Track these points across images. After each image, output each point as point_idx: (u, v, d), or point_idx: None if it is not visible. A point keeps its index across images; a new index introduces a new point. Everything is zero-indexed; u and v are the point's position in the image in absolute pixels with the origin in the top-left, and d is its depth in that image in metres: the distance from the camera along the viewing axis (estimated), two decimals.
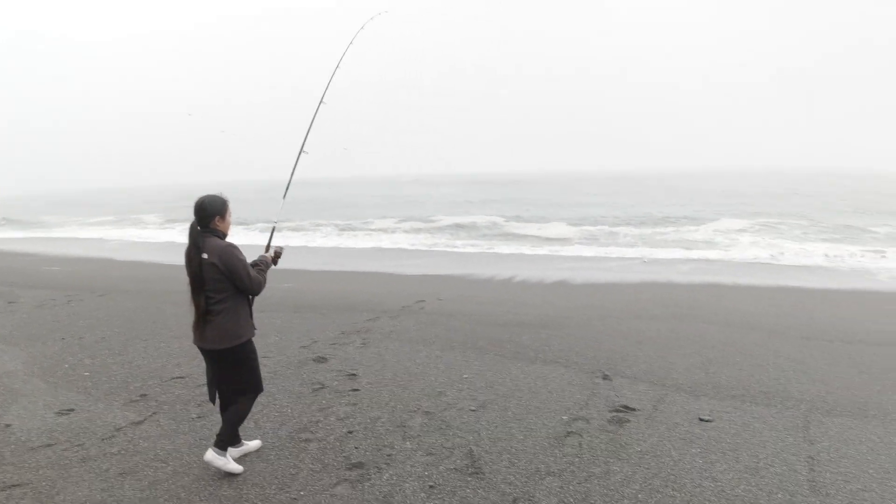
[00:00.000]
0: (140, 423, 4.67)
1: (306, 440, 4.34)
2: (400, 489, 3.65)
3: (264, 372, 5.83)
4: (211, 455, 3.76)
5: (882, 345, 7.01)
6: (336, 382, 5.59)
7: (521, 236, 19.51)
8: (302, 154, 4.85)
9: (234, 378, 3.78)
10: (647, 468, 3.94)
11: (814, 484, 3.77)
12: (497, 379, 5.71)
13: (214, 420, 4.69)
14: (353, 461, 4.02)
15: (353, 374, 5.80)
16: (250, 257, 3.88)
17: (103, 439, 4.35)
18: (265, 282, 3.80)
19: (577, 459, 4.05)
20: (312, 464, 3.99)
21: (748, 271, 13.17)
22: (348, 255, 17.49)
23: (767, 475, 3.87)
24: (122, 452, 4.13)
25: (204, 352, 3.76)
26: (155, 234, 25.42)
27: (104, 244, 20.95)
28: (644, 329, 7.61)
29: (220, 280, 3.57)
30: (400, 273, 13.34)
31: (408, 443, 4.29)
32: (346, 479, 3.78)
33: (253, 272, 3.67)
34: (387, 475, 3.83)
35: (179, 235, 23.46)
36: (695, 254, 15.66)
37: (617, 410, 4.90)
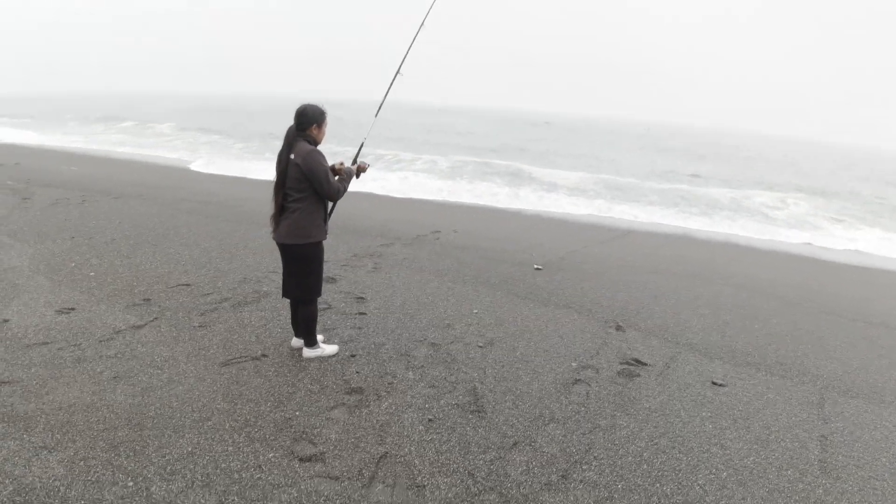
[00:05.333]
0: (140, 327, 4.57)
1: (307, 359, 4.20)
2: (398, 419, 3.51)
3: (273, 286, 5.75)
4: (307, 353, 4.25)
5: None
6: (343, 304, 5.43)
7: (542, 181, 18.82)
8: (398, 76, 4.76)
9: (298, 274, 4.01)
10: (655, 426, 3.75)
11: (825, 465, 3.55)
12: (507, 317, 5.50)
13: (216, 331, 4.58)
14: (353, 386, 3.88)
15: (362, 298, 5.63)
16: None
17: (101, 341, 4.26)
18: (344, 191, 3.99)
19: (582, 409, 3.86)
20: (311, 384, 3.85)
21: (773, 238, 12.68)
22: (363, 180, 17.17)
23: (778, 449, 3.67)
24: (118, 356, 4.03)
25: (278, 245, 3.99)
26: (170, 142, 25.11)
27: (123, 149, 20.80)
28: (661, 284, 7.30)
29: (301, 180, 3.77)
30: (417, 200, 13.03)
31: (410, 373, 4.14)
32: (343, 404, 3.65)
33: (332, 178, 3.84)
34: (386, 403, 3.69)
35: (195, 143, 23.23)
36: (721, 217, 15.04)
37: (628, 363, 4.68)
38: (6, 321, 4.40)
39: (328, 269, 6.44)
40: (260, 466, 2.97)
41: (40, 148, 18.80)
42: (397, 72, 4.77)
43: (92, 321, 4.60)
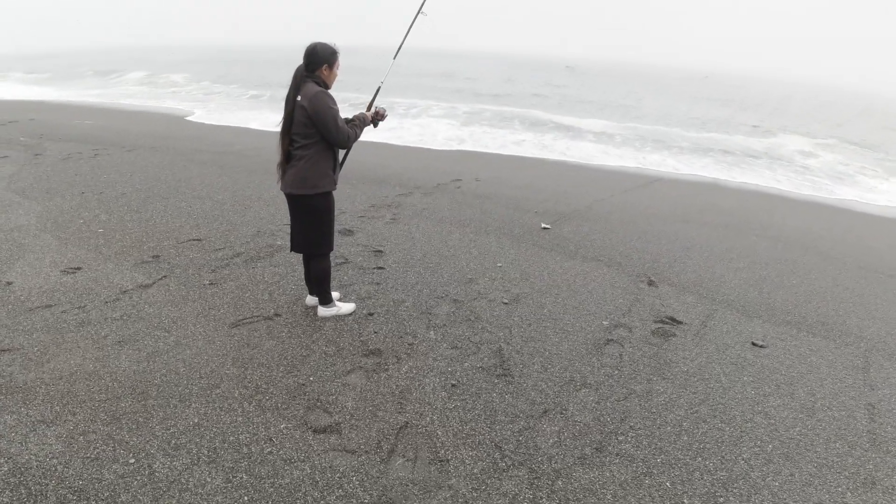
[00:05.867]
0: (148, 286, 4.36)
1: (322, 319, 3.95)
2: (419, 385, 3.26)
3: (287, 241, 5.48)
4: (322, 311, 4.01)
5: None
6: (361, 258, 5.15)
7: (565, 128, 17.96)
8: (420, 15, 4.39)
9: (305, 227, 3.74)
10: (694, 392, 3.44)
11: (874, 437, 3.23)
12: (533, 271, 5.17)
13: (226, 289, 4.35)
14: (371, 347, 3.63)
15: (380, 251, 5.35)
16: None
17: (106, 302, 4.06)
18: (356, 137, 3.67)
19: (616, 372, 3.56)
20: (326, 346, 3.62)
21: (808, 188, 11.98)
22: (382, 128, 16.63)
23: (825, 419, 3.35)
24: (124, 318, 3.83)
25: (285, 196, 3.71)
26: (186, 92, 24.66)
27: (138, 101, 20.48)
28: (692, 235, 6.85)
29: (307, 125, 3.47)
30: (436, 149, 12.55)
31: (432, 332, 3.87)
32: (360, 367, 3.41)
33: (342, 123, 3.52)
34: (406, 367, 3.44)
35: (210, 94, 22.76)
36: (753, 165, 14.22)
37: (662, 322, 4.35)
38: (10, 284, 4.22)
39: (345, 221, 6.16)
40: (271, 439, 2.76)
41: (56, 103, 18.57)
42: (419, 10, 4.37)
43: (98, 281, 4.40)
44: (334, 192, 3.74)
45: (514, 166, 10.97)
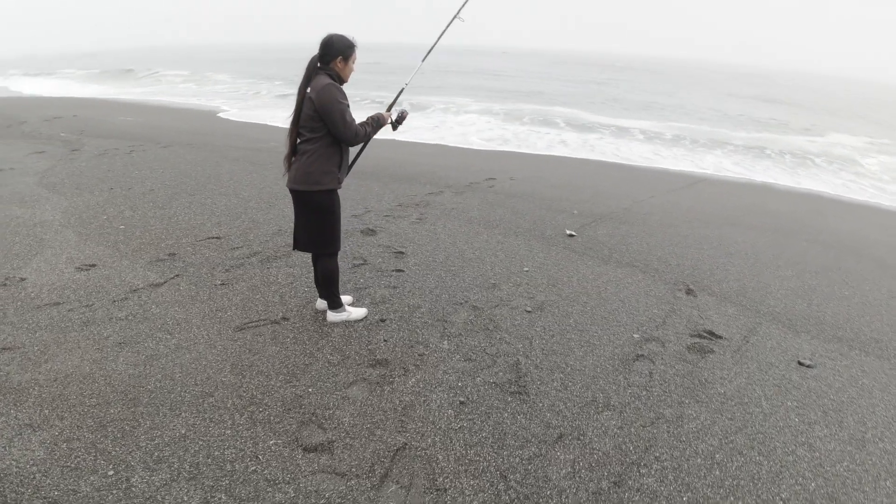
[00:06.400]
0: (159, 285, 4.26)
1: (331, 324, 3.76)
2: (424, 401, 3.01)
3: None
4: (331, 316, 3.82)
5: None
6: (380, 259, 4.94)
7: (605, 126, 17.31)
8: (456, 20, 4.25)
9: (309, 226, 3.58)
10: (730, 418, 3.08)
11: None
12: (562, 277, 4.85)
13: (237, 289, 4.21)
14: (378, 357, 3.40)
15: (401, 253, 5.13)
16: None
17: (114, 301, 3.97)
18: (366, 136, 3.46)
19: (644, 393, 3.22)
20: (331, 354, 3.41)
21: (863, 191, 11.14)
22: (416, 126, 16.47)
23: (875, 453, 2.94)
24: (129, 318, 3.72)
25: (289, 191, 3.55)
26: (226, 90, 25.09)
27: (178, 98, 20.96)
28: (737, 239, 6.37)
29: (315, 118, 3.30)
30: (472, 147, 12.27)
31: (445, 342, 3.62)
32: (364, 379, 3.18)
33: (350, 118, 3.32)
34: (413, 380, 3.19)
35: (248, 92, 23.08)
36: (804, 165, 13.36)
37: (700, 336, 3.97)
38: (23, 280, 4.19)
39: (369, 220, 5.98)
40: (257, 456, 2.57)
41: (101, 100, 19.18)
42: (457, 14, 4.20)
43: (110, 279, 4.33)
44: (340, 191, 3.54)
45: (551, 165, 10.60)
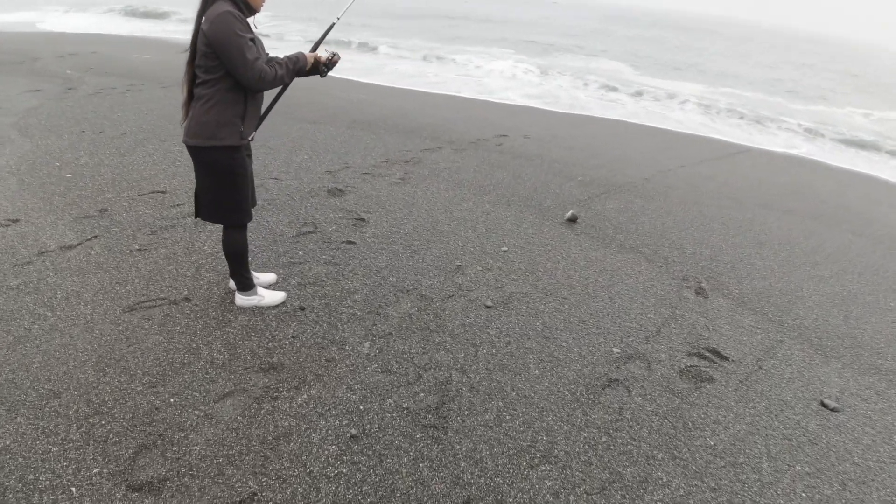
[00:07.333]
0: (71, 247, 3.70)
1: (239, 309, 3.11)
2: (307, 428, 2.35)
3: (263, 197, 4.69)
4: (239, 299, 3.20)
5: None
6: (333, 227, 4.25)
7: (638, 85, 15.59)
8: None
9: (206, 188, 2.91)
10: (714, 488, 2.30)
11: None
12: (545, 262, 4.04)
13: (152, 258, 3.61)
14: (274, 360, 2.74)
15: (362, 220, 4.41)
16: None
17: (15, 265, 3.43)
18: (277, 80, 2.74)
19: (604, 439, 2.45)
20: (219, 352, 2.77)
21: None
22: (431, 73, 15.33)
23: None
24: (20, 287, 3.17)
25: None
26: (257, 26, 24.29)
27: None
28: (771, 226, 5.35)
29: (209, 56, 2.62)
30: (491, 100, 11.21)
31: (367, 344, 2.92)
32: (244, 390, 2.54)
33: (253, 55, 2.59)
34: (304, 397, 2.53)
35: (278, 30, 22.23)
36: (865, 147, 11.59)
37: (700, 355, 3.14)
38: None
39: (342, 179, 5.26)
40: (71, 489, 1.98)
41: (128, 37, 18.75)
42: None
43: (25, 237, 3.79)
44: (248, 150, 2.84)
45: (575, 125, 9.52)
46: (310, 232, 4.13)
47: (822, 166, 9.05)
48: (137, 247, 3.75)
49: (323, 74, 3.03)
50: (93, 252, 3.66)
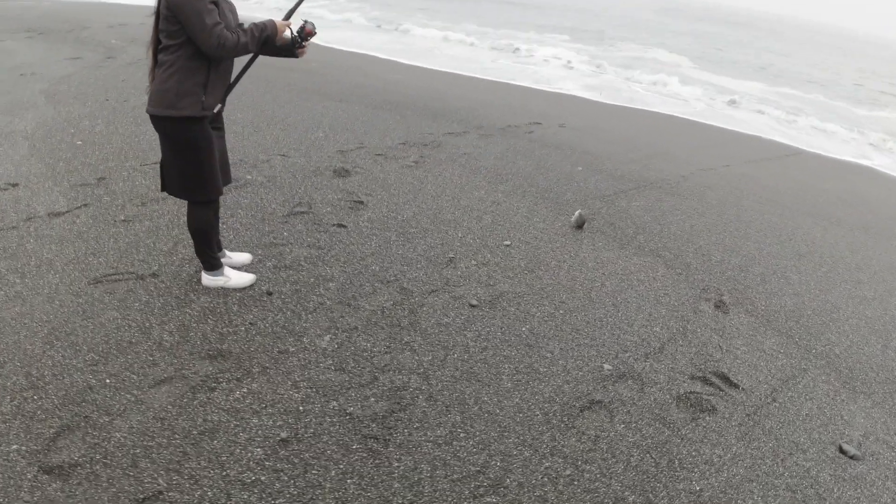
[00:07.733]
0: (59, 214, 3.64)
1: (202, 291, 2.96)
2: (236, 426, 2.16)
3: (265, 174, 4.55)
4: (205, 279, 3.03)
5: None
6: (329, 209, 4.05)
7: (707, 83, 14.61)
8: None
9: (168, 161, 2.78)
10: None
11: None
12: (549, 261, 3.73)
13: (134, 229, 3.51)
14: (224, 347, 2.57)
15: (360, 203, 4.20)
16: None
17: (2, 229, 3.41)
18: (239, 47, 2.55)
19: (568, 472, 2.15)
20: (170, 333, 2.61)
21: None
22: (497, 62, 14.88)
23: None
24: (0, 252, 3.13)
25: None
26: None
27: (264, 13, 20.49)
28: (814, 236, 4.84)
29: (171, 20, 2.48)
30: (534, 87, 10.75)
31: (327, 338, 2.71)
32: (183, 377, 2.37)
33: (213, 20, 2.42)
34: (244, 390, 2.34)
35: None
36: None
37: (705, 379, 2.78)
38: None
39: (352, 159, 5.07)
40: None
41: None
42: None
43: (18, 202, 3.76)
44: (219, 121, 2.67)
45: (619, 117, 9.01)
46: (302, 212, 3.95)
47: (877, 174, 8.26)
48: (123, 218, 3.66)
49: (296, 54, 2.80)
50: (78, 221, 3.59)
